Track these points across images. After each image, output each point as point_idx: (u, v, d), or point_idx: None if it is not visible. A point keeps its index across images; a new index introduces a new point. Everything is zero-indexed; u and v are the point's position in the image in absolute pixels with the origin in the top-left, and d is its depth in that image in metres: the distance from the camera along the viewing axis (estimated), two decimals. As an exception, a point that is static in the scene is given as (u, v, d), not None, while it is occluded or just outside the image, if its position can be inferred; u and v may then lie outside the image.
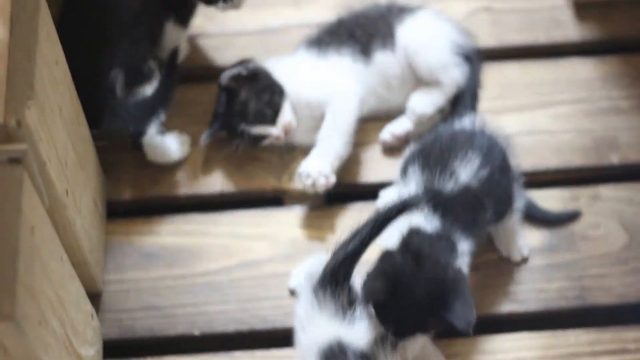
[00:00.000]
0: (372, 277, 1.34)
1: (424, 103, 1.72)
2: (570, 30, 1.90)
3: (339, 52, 1.72)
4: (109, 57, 1.63)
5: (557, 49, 1.89)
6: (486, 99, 1.79)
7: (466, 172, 1.45)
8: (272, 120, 1.67)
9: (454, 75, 1.72)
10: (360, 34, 1.74)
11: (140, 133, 1.69)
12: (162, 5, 1.71)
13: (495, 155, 1.49)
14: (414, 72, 1.73)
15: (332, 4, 1.89)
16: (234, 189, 1.72)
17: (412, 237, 1.39)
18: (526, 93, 1.82)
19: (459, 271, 1.36)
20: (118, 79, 1.65)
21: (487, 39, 1.88)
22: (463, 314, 1.32)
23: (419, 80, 1.74)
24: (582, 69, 1.85)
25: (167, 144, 1.72)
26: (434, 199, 1.42)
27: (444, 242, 1.40)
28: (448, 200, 1.43)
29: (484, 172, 1.46)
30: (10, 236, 1.07)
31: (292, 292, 1.58)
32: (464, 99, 1.74)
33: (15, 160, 1.11)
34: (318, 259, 1.45)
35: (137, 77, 1.67)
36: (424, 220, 1.41)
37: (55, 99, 1.30)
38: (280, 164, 1.73)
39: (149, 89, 1.68)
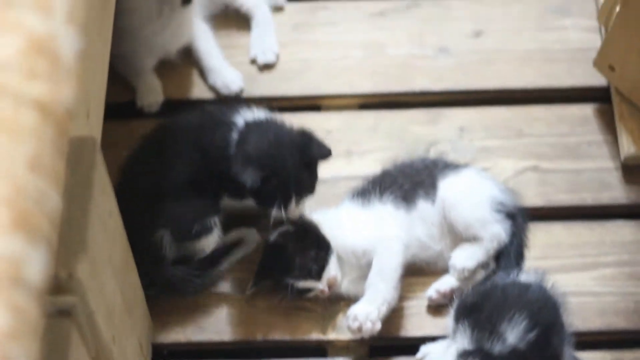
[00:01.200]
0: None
1: (464, 258, 1.75)
2: (617, 192, 1.91)
3: (381, 200, 1.77)
4: (155, 219, 1.71)
5: (604, 210, 1.91)
6: (532, 259, 1.81)
7: (514, 334, 1.48)
8: (317, 275, 1.71)
9: (494, 231, 1.75)
10: (403, 182, 1.79)
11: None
12: (214, 182, 1.77)
13: (546, 314, 1.51)
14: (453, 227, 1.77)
15: (381, 158, 1.94)
16: (278, 337, 1.74)
17: None
18: (571, 254, 1.84)
19: None
20: (164, 240, 1.72)
21: (534, 199, 1.90)
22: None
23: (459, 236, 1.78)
24: (627, 231, 1.86)
25: None
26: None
27: None
28: None
29: (532, 335, 1.48)
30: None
31: None
32: (507, 256, 1.77)
33: (65, 313, 1.16)
34: None
35: (184, 237, 1.74)
36: None
37: (106, 249, 1.35)
38: (325, 315, 1.76)
39: (202, 246, 1.75)
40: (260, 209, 1.74)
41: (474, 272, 1.76)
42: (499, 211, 1.77)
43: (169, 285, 1.73)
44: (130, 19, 1.92)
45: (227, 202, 1.80)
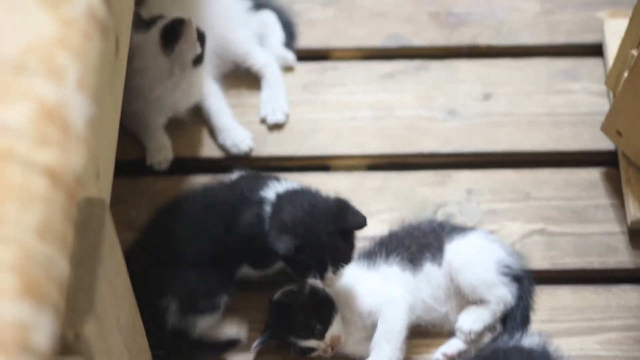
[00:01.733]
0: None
1: (471, 321, 1.75)
2: (623, 256, 1.92)
3: (388, 262, 1.78)
4: (166, 285, 1.72)
5: (610, 274, 1.91)
6: (538, 322, 1.81)
7: None
8: (320, 334, 1.71)
9: (500, 294, 1.75)
10: (410, 245, 1.80)
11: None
12: (235, 254, 1.79)
13: None
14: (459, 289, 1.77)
15: (389, 219, 1.95)
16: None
17: None
18: (577, 317, 1.84)
19: None
20: (170, 307, 1.73)
21: (541, 262, 1.91)
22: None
23: (466, 298, 1.78)
24: (633, 296, 1.86)
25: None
26: None
27: None
28: None
29: None
30: None
31: None
32: (514, 319, 1.78)
33: (71, 374, 1.16)
34: None
35: (190, 308, 1.75)
36: None
37: (113, 309, 1.36)
38: (331, 377, 1.77)
39: (202, 324, 1.77)
40: (297, 278, 1.73)
41: (480, 334, 1.76)
42: (505, 274, 1.77)
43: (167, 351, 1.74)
44: (141, 79, 1.94)
45: (247, 271, 1.81)
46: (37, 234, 0.86)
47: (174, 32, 1.90)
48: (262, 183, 1.80)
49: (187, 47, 1.90)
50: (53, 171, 0.88)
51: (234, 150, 2.03)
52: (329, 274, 1.70)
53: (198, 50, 1.93)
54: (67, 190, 0.89)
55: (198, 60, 1.95)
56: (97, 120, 1.19)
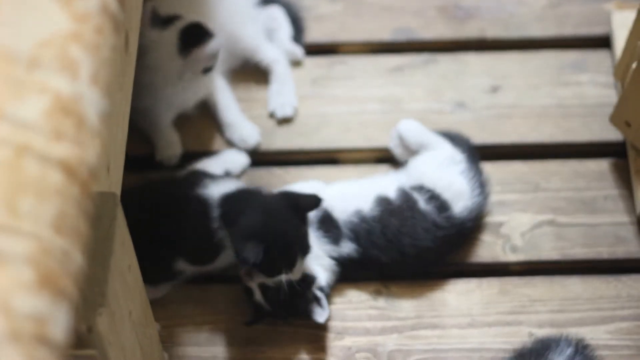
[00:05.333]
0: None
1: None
2: (633, 246, 1.93)
3: None
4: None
5: (620, 264, 1.92)
6: (548, 312, 1.83)
7: None
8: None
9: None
10: None
11: None
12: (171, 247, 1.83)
13: None
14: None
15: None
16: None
17: None
18: (587, 307, 1.84)
19: None
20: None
21: (551, 253, 1.92)
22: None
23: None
24: (644, 285, 1.88)
25: None
26: None
27: None
28: None
29: None
30: None
31: None
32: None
33: (84, 366, 1.17)
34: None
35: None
36: None
37: (125, 303, 1.37)
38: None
39: None
40: (267, 276, 1.73)
41: None
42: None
43: None
44: (153, 77, 1.94)
45: (184, 266, 1.83)
46: (53, 227, 0.86)
47: (193, 37, 1.91)
48: (203, 181, 1.83)
49: (204, 58, 1.91)
50: (68, 165, 0.89)
51: (242, 145, 2.03)
52: (298, 264, 1.71)
53: (212, 63, 1.94)
54: (82, 184, 0.90)
55: (208, 70, 1.96)
56: (109, 112, 1.20)
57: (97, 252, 1.26)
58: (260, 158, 2.04)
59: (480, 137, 2.06)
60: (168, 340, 1.79)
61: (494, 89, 2.15)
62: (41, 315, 0.81)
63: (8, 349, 0.78)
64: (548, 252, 1.92)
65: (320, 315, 1.75)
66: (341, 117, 2.10)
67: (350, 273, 1.85)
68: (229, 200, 1.78)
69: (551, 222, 1.96)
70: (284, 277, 1.70)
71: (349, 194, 1.86)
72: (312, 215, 1.78)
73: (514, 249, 1.91)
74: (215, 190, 1.80)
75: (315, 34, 2.27)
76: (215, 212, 1.76)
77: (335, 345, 1.80)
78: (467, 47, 2.24)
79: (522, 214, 1.97)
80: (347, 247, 1.81)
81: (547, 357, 1.65)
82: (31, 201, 0.85)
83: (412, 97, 2.15)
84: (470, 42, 2.25)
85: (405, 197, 1.85)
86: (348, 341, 1.80)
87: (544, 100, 2.13)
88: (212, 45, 1.90)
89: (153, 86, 1.96)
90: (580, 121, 2.09)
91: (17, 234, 0.83)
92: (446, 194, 1.86)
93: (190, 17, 1.95)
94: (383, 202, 1.84)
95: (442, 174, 1.88)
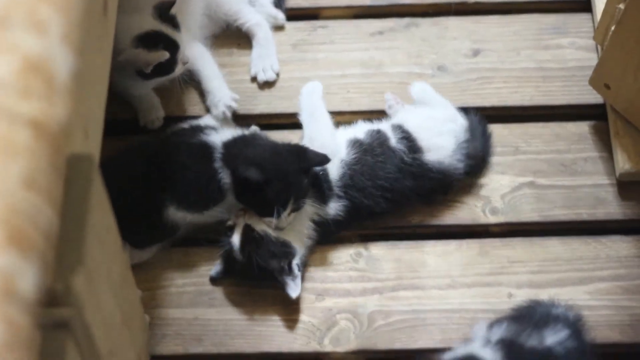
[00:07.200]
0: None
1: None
2: (612, 208, 1.94)
3: None
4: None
5: (599, 225, 1.93)
6: (528, 273, 1.85)
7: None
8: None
9: None
10: None
11: None
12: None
13: None
14: None
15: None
16: (275, 349, 1.79)
17: None
18: (567, 268, 1.86)
19: None
20: None
21: (530, 214, 1.93)
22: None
23: None
24: (623, 246, 1.89)
25: None
26: None
27: None
28: None
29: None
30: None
31: None
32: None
33: (61, 325, 1.18)
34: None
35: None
36: None
37: (104, 264, 1.37)
38: (322, 327, 1.79)
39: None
40: (258, 213, 1.78)
41: None
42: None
43: None
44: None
45: (175, 215, 1.84)
46: (23, 184, 0.87)
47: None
48: (201, 131, 1.88)
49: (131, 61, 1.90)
50: (37, 122, 0.89)
51: (214, 111, 2.02)
52: (287, 213, 1.76)
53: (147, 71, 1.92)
54: (53, 140, 0.91)
55: (145, 75, 1.94)
56: (84, 75, 1.21)
57: (72, 212, 1.26)
58: (242, 121, 2.04)
59: (461, 100, 2.07)
60: (150, 303, 1.81)
61: (475, 53, 2.15)
62: (9, 271, 0.82)
63: (-24, 303, 0.79)
64: (528, 214, 1.93)
65: (293, 290, 1.77)
66: (323, 81, 2.09)
67: (330, 234, 1.86)
68: (236, 142, 1.83)
69: (531, 184, 1.97)
70: (274, 220, 1.74)
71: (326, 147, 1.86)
72: None
73: (494, 211, 1.93)
74: (219, 137, 1.85)
75: (297, -2, 2.27)
76: (219, 154, 1.81)
77: (316, 306, 1.82)
78: (448, 11, 2.24)
79: (502, 176, 1.98)
80: (334, 208, 1.83)
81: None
82: (-1, 158, 0.86)
83: (393, 61, 2.15)
84: (451, 6, 2.24)
85: (376, 135, 1.89)
86: (329, 302, 1.82)
87: (524, 64, 2.14)
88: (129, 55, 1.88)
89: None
90: (561, 84, 2.10)
91: (-16, 191, 0.84)
92: (423, 142, 1.89)
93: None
94: (355, 144, 1.88)
95: (430, 124, 1.91)
